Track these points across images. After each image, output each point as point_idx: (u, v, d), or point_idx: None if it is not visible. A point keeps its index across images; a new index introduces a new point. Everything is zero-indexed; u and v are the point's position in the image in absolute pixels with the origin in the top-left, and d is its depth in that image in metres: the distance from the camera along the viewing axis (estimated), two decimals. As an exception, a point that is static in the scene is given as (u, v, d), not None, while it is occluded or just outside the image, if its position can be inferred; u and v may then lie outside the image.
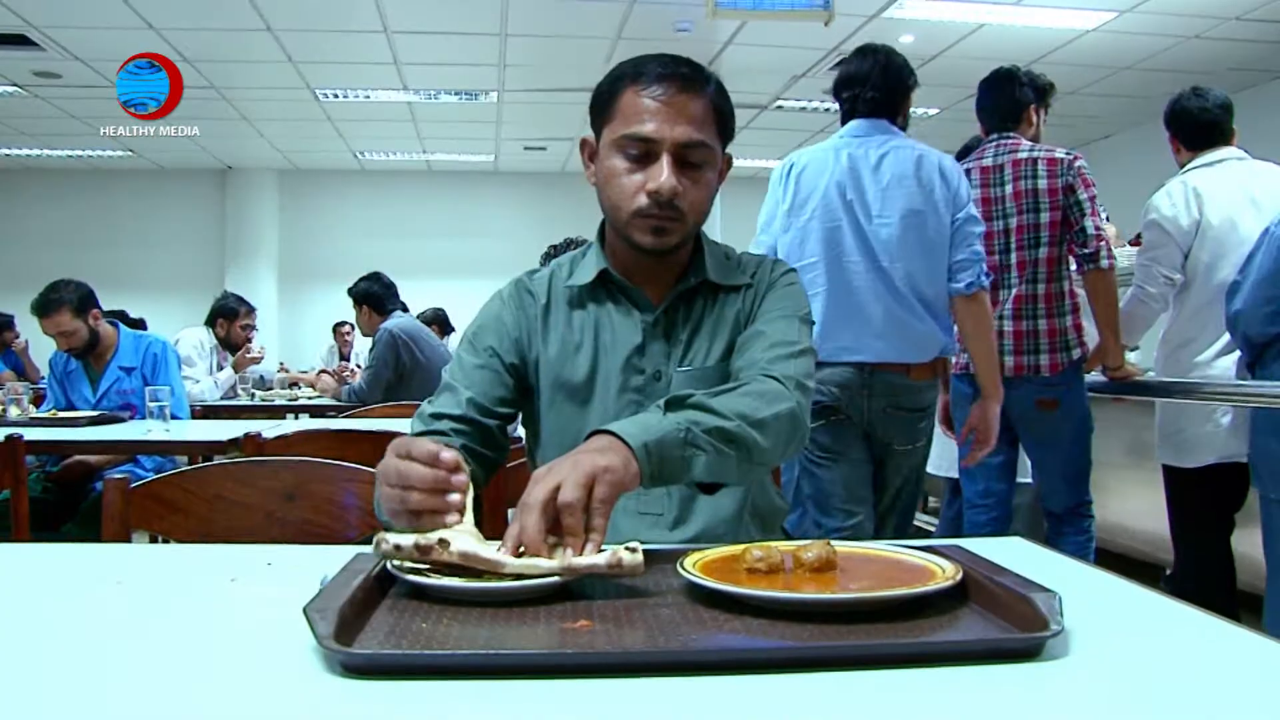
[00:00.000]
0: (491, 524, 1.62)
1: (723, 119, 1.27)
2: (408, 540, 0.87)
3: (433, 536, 0.88)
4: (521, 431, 1.45)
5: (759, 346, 1.26)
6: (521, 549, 0.90)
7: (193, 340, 4.89)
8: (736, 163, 1.38)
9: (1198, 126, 2.86)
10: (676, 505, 1.31)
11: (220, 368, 5.00)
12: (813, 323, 1.36)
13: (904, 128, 2.42)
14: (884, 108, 2.37)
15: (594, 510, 0.92)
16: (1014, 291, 2.73)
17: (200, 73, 6.92)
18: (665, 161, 1.22)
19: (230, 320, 5.05)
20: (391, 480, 0.95)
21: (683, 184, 1.23)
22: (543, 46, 6.68)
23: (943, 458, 3.32)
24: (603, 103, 1.28)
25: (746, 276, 1.36)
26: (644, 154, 1.23)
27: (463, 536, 0.90)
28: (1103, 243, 2.67)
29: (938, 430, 3.06)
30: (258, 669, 0.72)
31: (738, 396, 1.14)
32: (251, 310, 5.23)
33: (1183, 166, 2.89)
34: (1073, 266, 2.78)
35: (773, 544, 0.94)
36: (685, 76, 1.23)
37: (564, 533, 0.91)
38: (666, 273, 1.33)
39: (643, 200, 1.23)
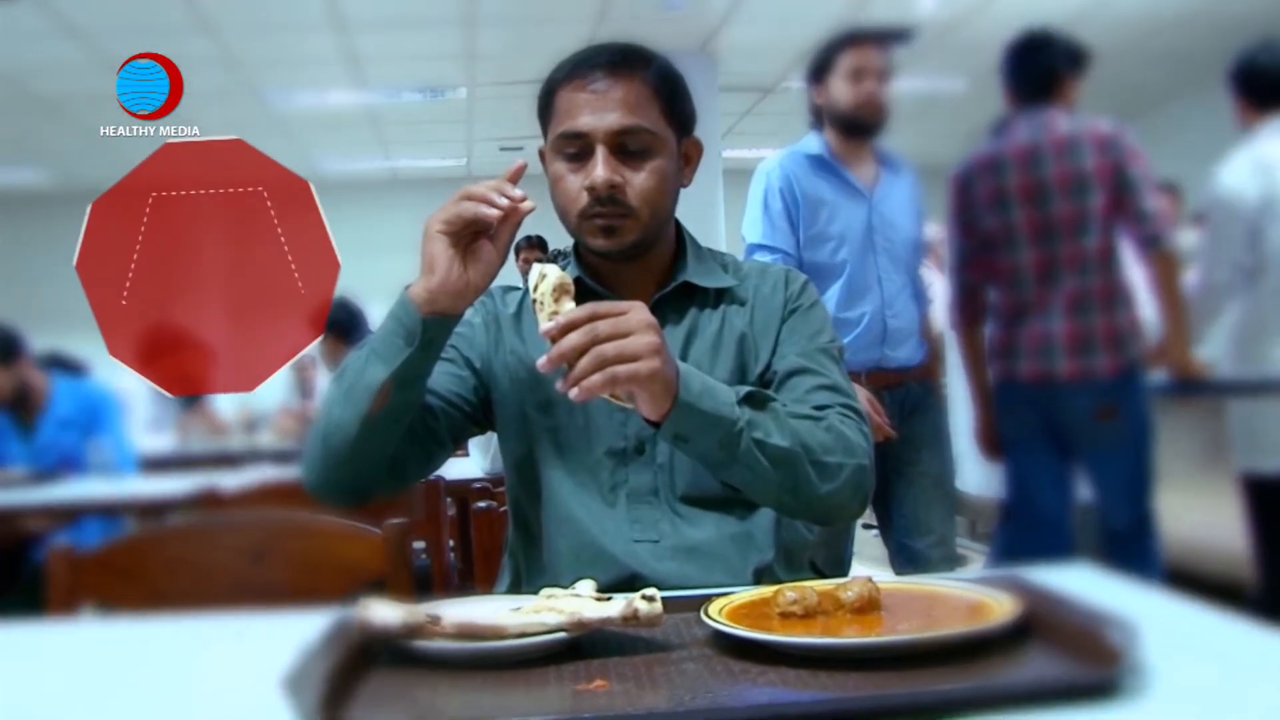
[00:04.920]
0: (485, 569, 1.63)
1: (670, 102, 1.30)
2: (395, 619, 0.87)
3: (420, 613, 0.87)
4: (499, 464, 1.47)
5: (810, 385, 1.27)
6: (525, 616, 0.89)
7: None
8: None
9: (1270, 84, 2.86)
10: (676, 530, 1.28)
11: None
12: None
13: None
14: None
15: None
16: (1065, 286, 2.71)
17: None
18: (600, 154, 1.24)
19: None
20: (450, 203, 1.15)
21: (624, 175, 1.25)
22: (516, 33, 6.70)
23: (991, 477, 3.32)
24: (542, 109, 1.32)
25: (733, 279, 1.37)
26: (580, 151, 1.26)
27: (454, 608, 0.90)
28: (1166, 222, 2.67)
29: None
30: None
31: (818, 428, 1.19)
32: None
33: (1249, 134, 2.90)
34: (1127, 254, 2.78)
35: (807, 584, 0.95)
36: (614, 62, 1.27)
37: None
38: (646, 276, 1.35)
39: (585, 200, 1.26)
